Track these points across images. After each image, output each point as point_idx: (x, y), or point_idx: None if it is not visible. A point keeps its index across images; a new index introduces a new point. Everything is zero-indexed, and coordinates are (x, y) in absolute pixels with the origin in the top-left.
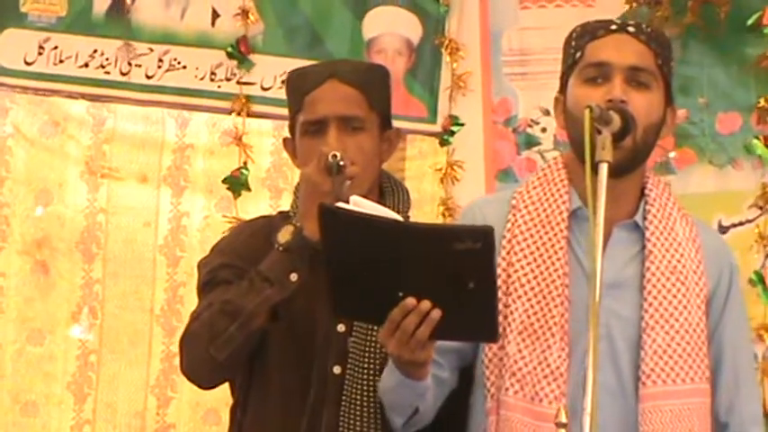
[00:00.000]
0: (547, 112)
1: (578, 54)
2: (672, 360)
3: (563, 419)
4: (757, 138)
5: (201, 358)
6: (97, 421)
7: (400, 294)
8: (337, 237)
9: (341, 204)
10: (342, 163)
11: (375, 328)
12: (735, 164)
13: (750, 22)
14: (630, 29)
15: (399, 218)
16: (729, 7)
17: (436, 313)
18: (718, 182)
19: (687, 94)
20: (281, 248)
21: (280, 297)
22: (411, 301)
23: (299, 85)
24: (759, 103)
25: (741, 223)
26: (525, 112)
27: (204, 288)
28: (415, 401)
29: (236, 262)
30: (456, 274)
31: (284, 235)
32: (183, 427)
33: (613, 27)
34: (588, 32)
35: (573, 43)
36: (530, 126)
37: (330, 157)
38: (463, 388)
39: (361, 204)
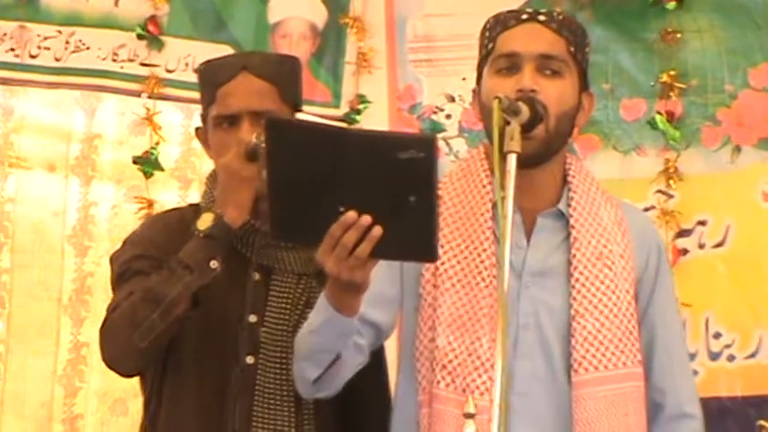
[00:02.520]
0: (451, 99)
1: (490, 45)
2: (603, 346)
3: (471, 410)
4: (660, 113)
5: (124, 347)
6: (4, 412)
7: (341, 210)
8: (281, 150)
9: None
10: (264, 145)
11: (286, 318)
12: (639, 150)
13: None
14: (541, 17)
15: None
16: None
17: (377, 230)
18: (622, 168)
19: (591, 79)
20: (201, 235)
21: (201, 283)
22: (351, 215)
23: (211, 78)
24: (661, 77)
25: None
26: (430, 99)
27: (119, 280)
28: (339, 345)
29: (150, 252)
30: (397, 187)
31: (204, 222)
32: (91, 417)
33: (524, 17)
34: (500, 23)
35: (486, 34)
36: (434, 113)
37: (254, 138)
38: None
39: (306, 118)
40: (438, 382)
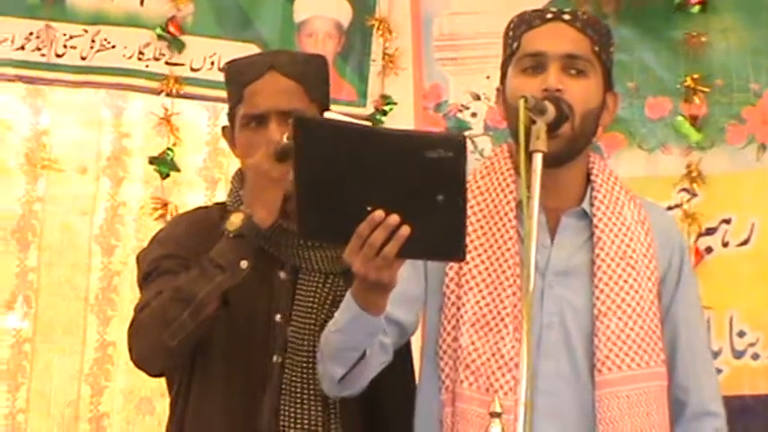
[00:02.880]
0: (477, 97)
1: (515, 45)
2: (626, 346)
3: (497, 409)
4: (683, 116)
5: (154, 346)
6: (30, 410)
7: (368, 209)
8: (309, 148)
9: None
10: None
11: (312, 317)
12: (664, 148)
13: (677, 0)
14: (566, 17)
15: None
16: None
17: (405, 230)
18: (647, 166)
19: (616, 78)
20: (231, 235)
21: (231, 283)
22: (379, 213)
23: (238, 77)
24: (686, 81)
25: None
26: (455, 97)
27: (147, 279)
28: (365, 343)
29: (178, 252)
30: (425, 186)
31: (233, 222)
32: (117, 415)
33: (549, 16)
34: (524, 22)
35: (510, 34)
36: (460, 111)
37: (285, 138)
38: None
39: (334, 116)
40: (461, 382)
